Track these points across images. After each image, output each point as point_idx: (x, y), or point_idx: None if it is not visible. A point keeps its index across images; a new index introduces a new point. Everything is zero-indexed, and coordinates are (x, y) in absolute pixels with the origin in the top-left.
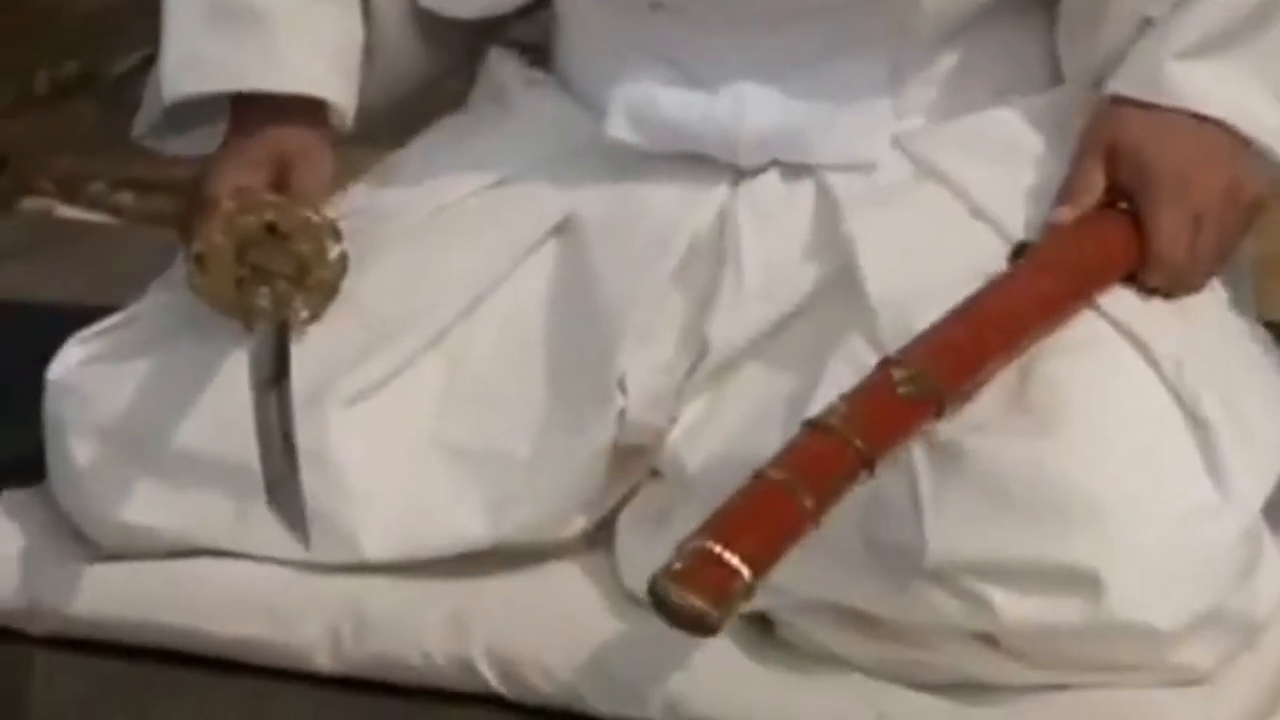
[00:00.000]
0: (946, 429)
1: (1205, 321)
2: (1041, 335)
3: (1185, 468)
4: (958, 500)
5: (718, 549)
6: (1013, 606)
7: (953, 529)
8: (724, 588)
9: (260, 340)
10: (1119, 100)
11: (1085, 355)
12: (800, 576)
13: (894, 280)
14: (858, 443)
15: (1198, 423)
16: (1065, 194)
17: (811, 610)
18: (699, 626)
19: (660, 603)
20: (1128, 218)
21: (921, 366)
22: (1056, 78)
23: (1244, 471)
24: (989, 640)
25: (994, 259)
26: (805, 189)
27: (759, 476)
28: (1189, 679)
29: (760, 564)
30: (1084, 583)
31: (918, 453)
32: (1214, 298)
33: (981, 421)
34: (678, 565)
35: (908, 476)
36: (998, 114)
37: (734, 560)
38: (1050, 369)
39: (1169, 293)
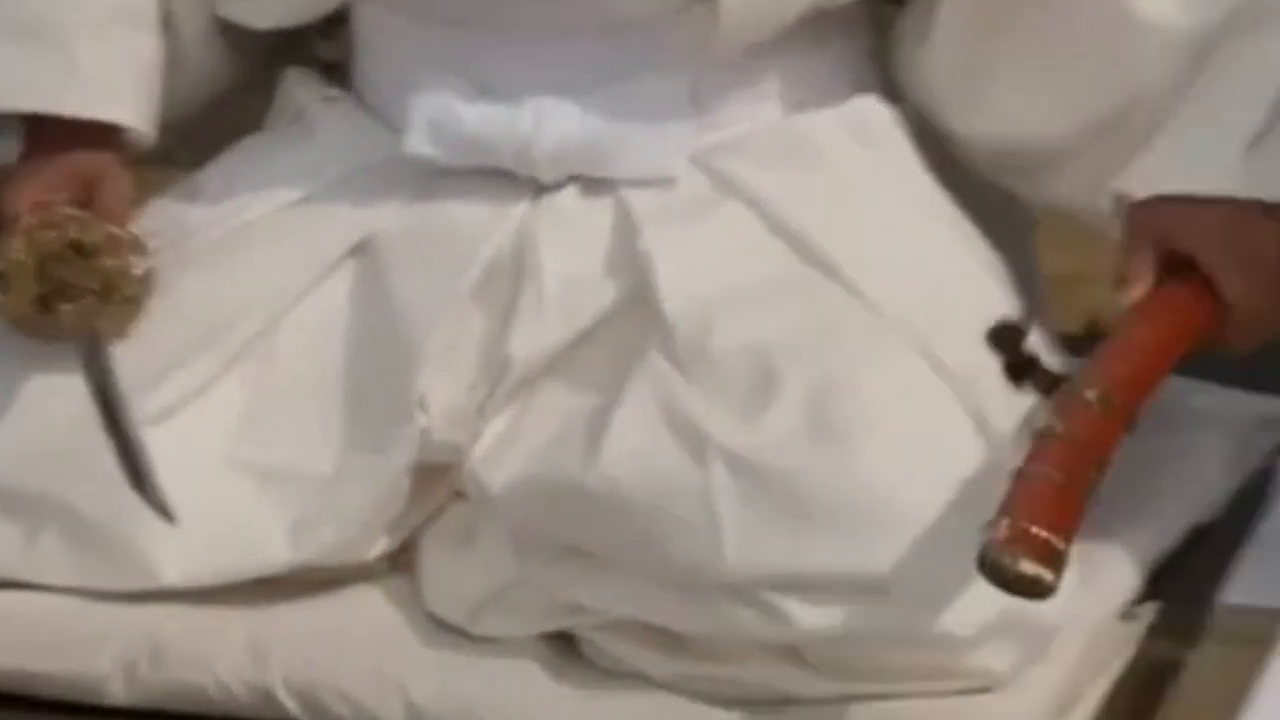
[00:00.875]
0: (743, 442)
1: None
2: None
3: (976, 477)
4: (755, 514)
5: (1033, 528)
6: (811, 617)
7: (751, 542)
8: (1052, 553)
9: (85, 360)
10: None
11: (879, 369)
12: (603, 595)
13: (691, 296)
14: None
15: (987, 430)
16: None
17: (615, 629)
18: (1037, 590)
19: (997, 572)
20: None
21: (1104, 387)
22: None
23: None
24: (791, 653)
25: (790, 273)
26: (604, 205)
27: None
28: (984, 685)
29: (1068, 534)
30: (880, 591)
31: (715, 468)
32: (1005, 308)
33: (777, 435)
34: (1006, 535)
35: (704, 491)
36: (795, 128)
37: (1046, 533)
38: (845, 383)
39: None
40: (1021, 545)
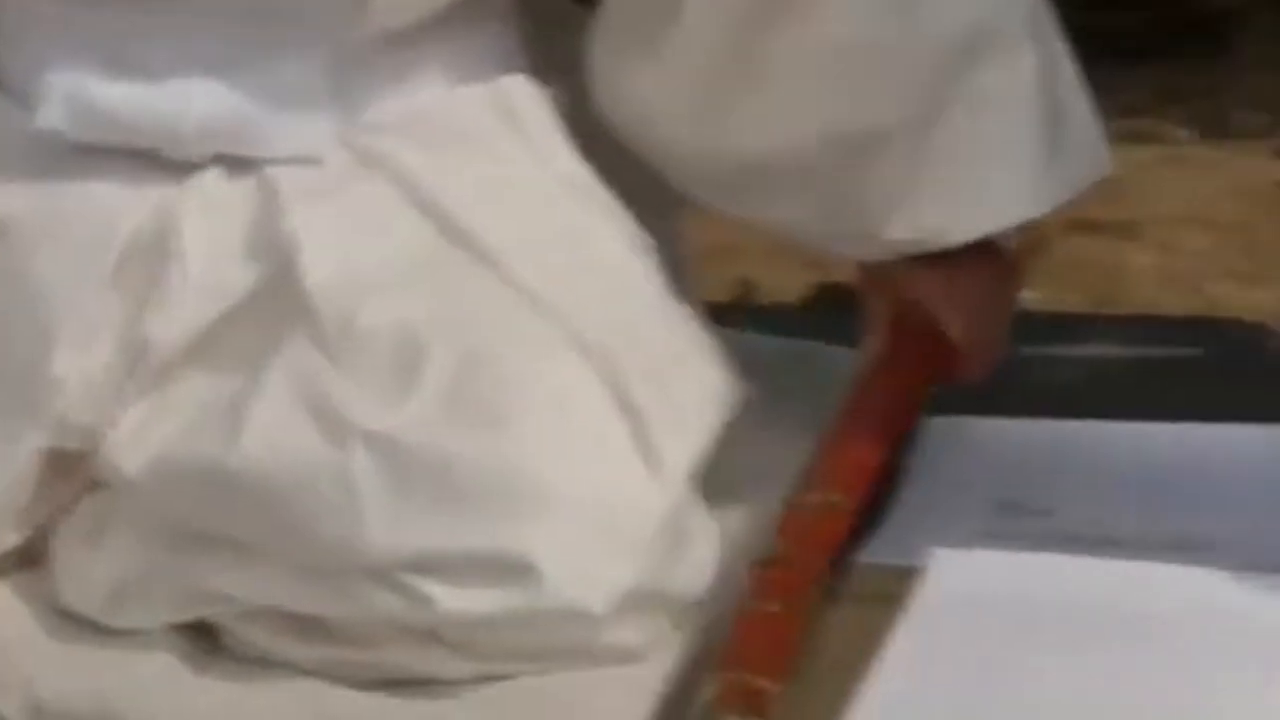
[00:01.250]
0: (385, 423)
1: (637, 309)
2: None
3: (615, 452)
4: (396, 495)
5: (745, 678)
6: (451, 599)
7: (391, 524)
8: (762, 699)
9: None
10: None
11: (523, 348)
12: (243, 582)
13: (335, 275)
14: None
15: (628, 406)
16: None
17: (255, 617)
18: None
19: None
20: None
21: (826, 487)
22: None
23: (673, 453)
24: (431, 635)
25: (437, 252)
26: (249, 185)
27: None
28: (622, 659)
29: (783, 669)
30: (518, 570)
31: (356, 449)
32: (648, 285)
33: (420, 415)
34: (719, 693)
35: (345, 473)
36: (444, 108)
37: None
38: (490, 362)
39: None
40: (731, 700)
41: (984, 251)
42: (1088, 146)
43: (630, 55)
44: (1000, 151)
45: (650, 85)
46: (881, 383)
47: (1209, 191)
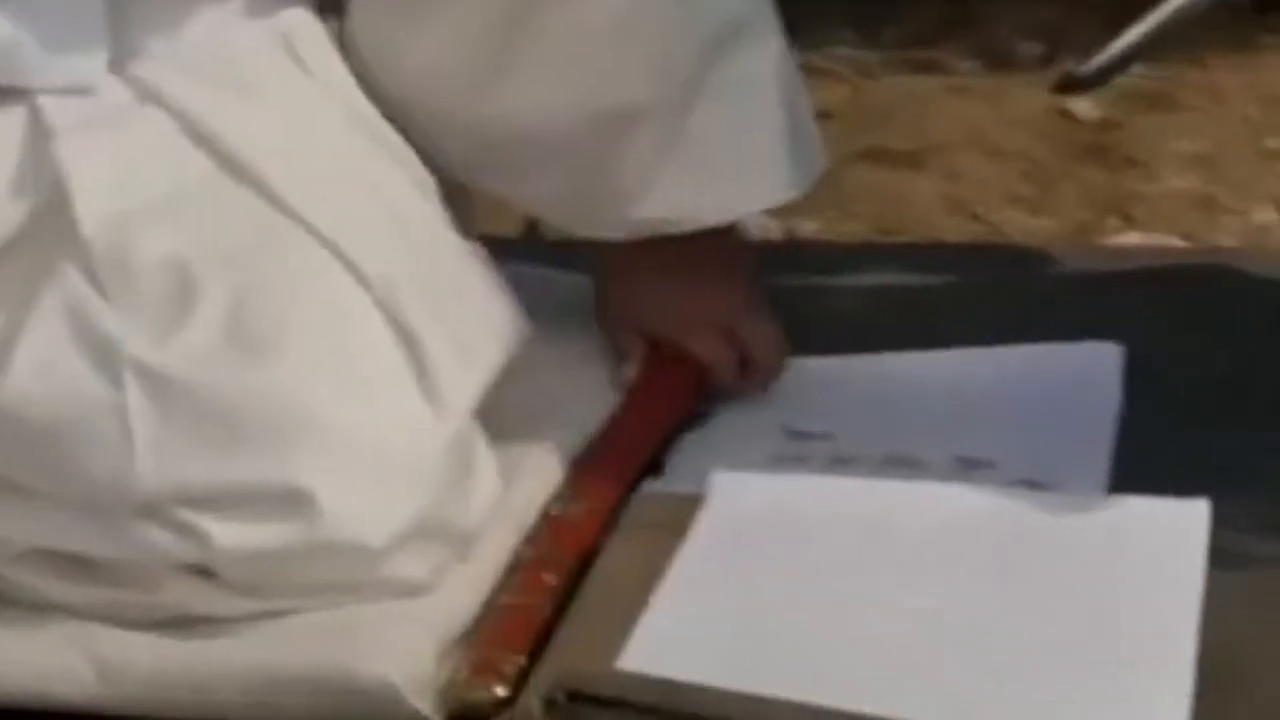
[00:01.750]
0: (159, 357)
1: (418, 240)
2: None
3: (396, 384)
4: (170, 429)
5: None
6: (227, 535)
7: (164, 459)
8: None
9: None
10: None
11: (301, 281)
12: (13, 524)
13: (107, 207)
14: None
15: (409, 339)
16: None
17: (26, 559)
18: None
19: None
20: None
21: (576, 493)
22: None
23: (454, 386)
24: (207, 573)
25: (214, 184)
26: (18, 115)
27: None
28: (405, 592)
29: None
30: (297, 504)
31: (128, 383)
32: (430, 219)
33: (195, 348)
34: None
35: (118, 408)
36: (222, 39)
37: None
38: (266, 295)
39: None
40: (483, 674)
41: (727, 250)
42: (815, 138)
43: (401, 26)
44: (752, 137)
45: (421, 56)
46: (637, 414)
47: (991, 120)
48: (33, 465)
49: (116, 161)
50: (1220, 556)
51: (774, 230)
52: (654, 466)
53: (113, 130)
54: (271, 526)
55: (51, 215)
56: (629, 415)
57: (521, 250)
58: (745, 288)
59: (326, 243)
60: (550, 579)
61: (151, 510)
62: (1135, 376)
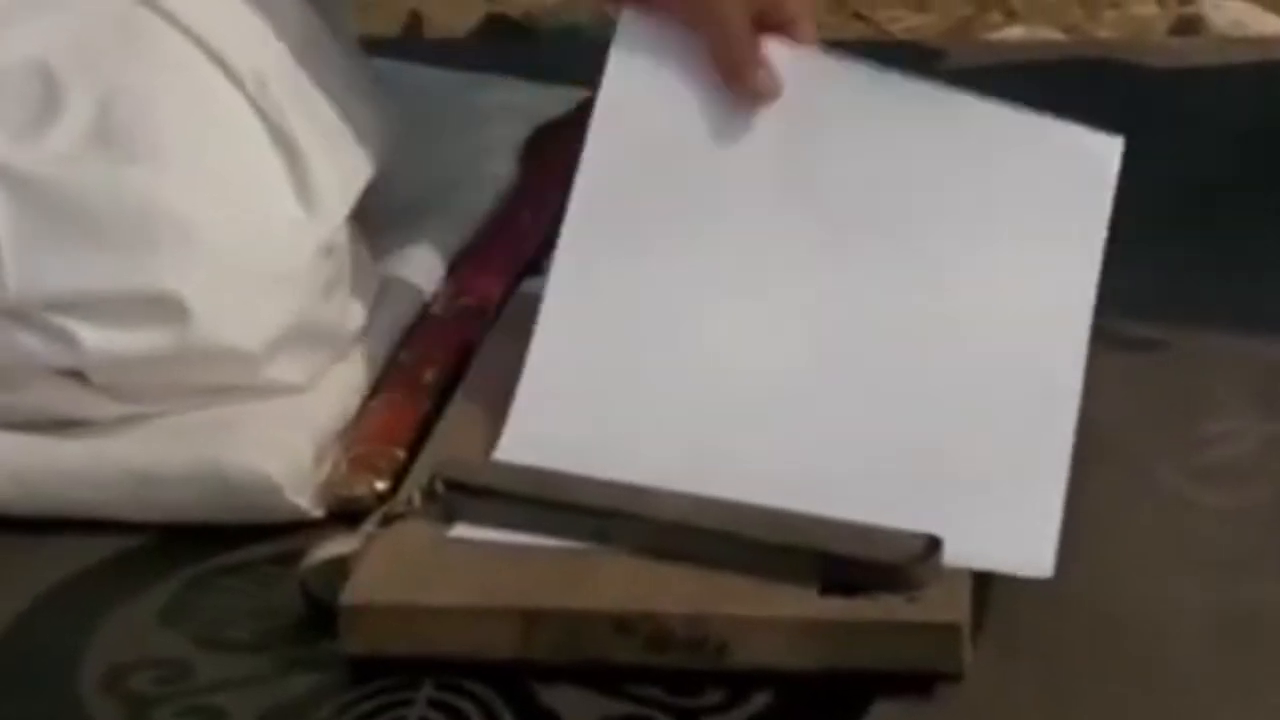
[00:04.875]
0: (22, 159)
1: (291, 38)
2: None
3: (269, 185)
4: (36, 233)
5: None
6: (97, 339)
7: (34, 264)
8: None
9: None
10: None
11: (168, 76)
12: None
13: None
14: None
15: (282, 139)
16: None
17: None
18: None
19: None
20: None
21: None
22: None
23: (329, 186)
24: (77, 376)
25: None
26: None
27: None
28: (282, 393)
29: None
30: (168, 308)
31: None
32: (302, 20)
33: (60, 150)
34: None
35: None
36: None
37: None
38: (134, 94)
39: None
40: (362, 466)
41: None
42: None
43: None
44: None
45: None
46: (519, 212)
47: None
48: None
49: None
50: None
51: None
52: (534, 266)
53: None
54: (143, 331)
55: None
56: (511, 213)
57: (402, 49)
58: None
59: (194, 37)
60: (429, 375)
61: (20, 314)
62: None
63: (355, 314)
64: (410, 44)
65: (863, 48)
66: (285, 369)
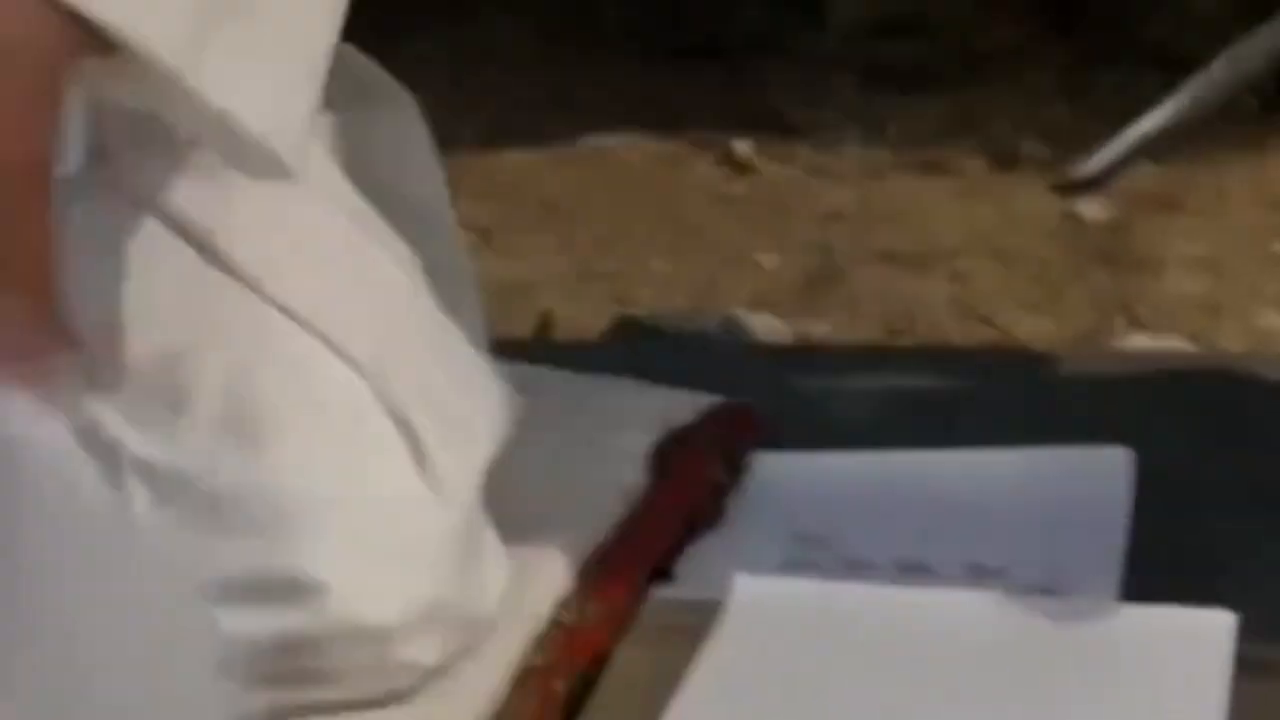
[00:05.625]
0: (156, 452)
1: (411, 328)
2: None
3: (394, 468)
4: (173, 522)
5: None
6: (236, 624)
7: (170, 552)
8: None
9: None
10: None
11: (290, 366)
12: None
13: (96, 306)
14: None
15: (402, 422)
16: None
17: None
18: None
19: None
20: None
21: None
22: None
23: (452, 466)
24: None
25: (194, 274)
26: None
27: None
28: (413, 678)
29: None
30: (303, 589)
31: (132, 481)
32: (423, 305)
33: (193, 443)
34: None
35: (121, 505)
36: None
37: None
38: (255, 382)
39: None
40: None
41: None
42: None
43: None
44: None
45: None
46: (647, 519)
47: (998, 222)
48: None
49: (103, 255)
50: (1244, 666)
51: (784, 333)
52: (663, 572)
53: (89, 222)
54: (279, 613)
55: None
56: (639, 519)
57: (533, 351)
58: None
59: (314, 329)
60: (560, 686)
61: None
62: (1146, 480)
63: (488, 601)
64: (541, 345)
65: (987, 354)
66: (420, 650)
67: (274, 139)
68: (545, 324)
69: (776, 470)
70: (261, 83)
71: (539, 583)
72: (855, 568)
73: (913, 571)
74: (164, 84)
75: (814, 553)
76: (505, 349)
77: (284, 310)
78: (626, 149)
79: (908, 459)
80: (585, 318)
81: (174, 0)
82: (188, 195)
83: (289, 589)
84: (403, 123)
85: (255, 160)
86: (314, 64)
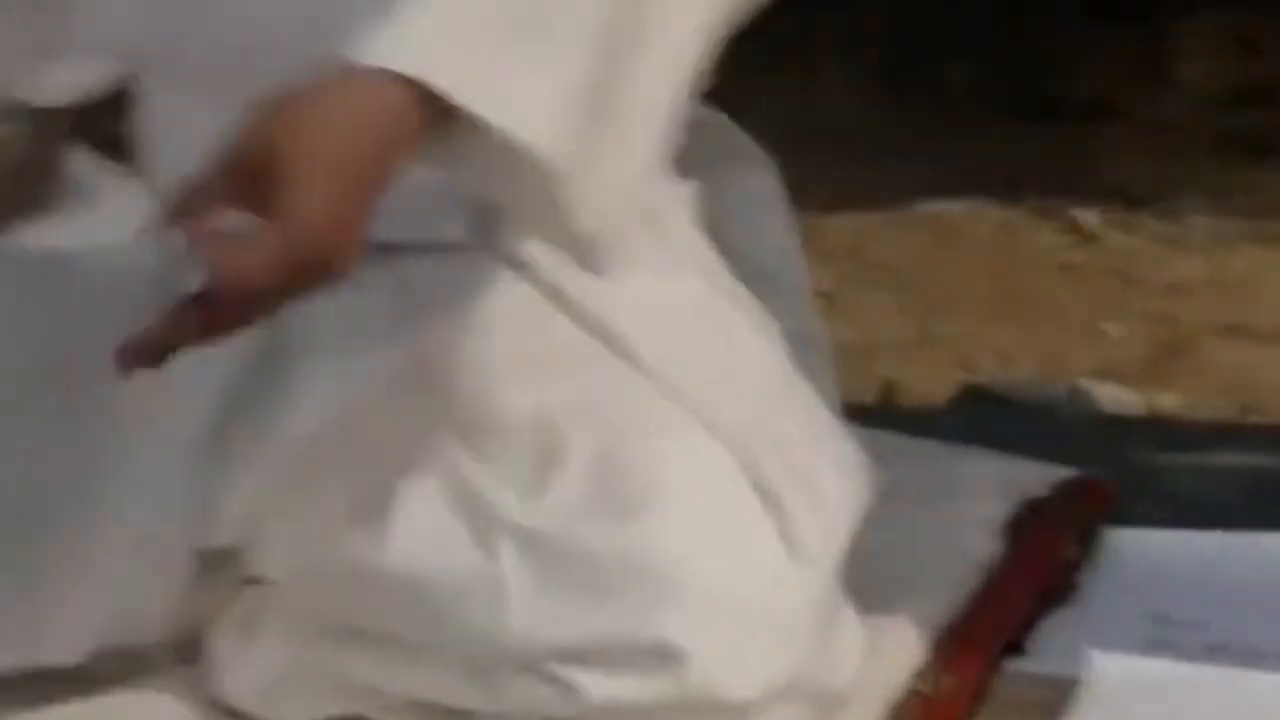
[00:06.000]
0: (528, 515)
1: (773, 397)
2: None
3: (756, 537)
4: (541, 586)
5: None
6: (600, 688)
7: (537, 615)
8: None
9: None
10: None
11: (660, 436)
12: (394, 677)
13: (472, 366)
14: None
15: (766, 492)
16: None
17: (406, 710)
18: None
19: None
20: None
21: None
22: None
23: (814, 536)
24: None
25: (571, 341)
26: (384, 271)
27: None
28: None
29: None
30: (667, 658)
31: (501, 541)
32: (784, 374)
33: (562, 506)
34: None
35: (490, 566)
36: None
37: None
38: (628, 451)
39: None
40: None
41: None
42: None
43: None
44: None
45: None
46: (1001, 589)
47: None
48: (412, 622)
49: (480, 318)
50: None
51: (1131, 403)
52: (1015, 645)
53: (470, 289)
54: (643, 679)
55: (415, 373)
56: (993, 590)
57: (877, 416)
58: None
59: (682, 396)
60: None
61: (527, 665)
62: None
63: (844, 672)
64: (885, 411)
65: None
66: None
67: (601, 239)
68: (889, 389)
69: (1130, 546)
70: (606, 189)
71: (893, 652)
72: (1216, 651)
73: (1271, 658)
74: (509, 172)
75: (1170, 633)
76: (850, 414)
77: (657, 379)
78: (967, 214)
79: (1265, 539)
80: (927, 384)
81: (558, 106)
82: (564, 265)
83: (650, 656)
84: (758, 184)
85: (574, 250)
86: (653, 162)
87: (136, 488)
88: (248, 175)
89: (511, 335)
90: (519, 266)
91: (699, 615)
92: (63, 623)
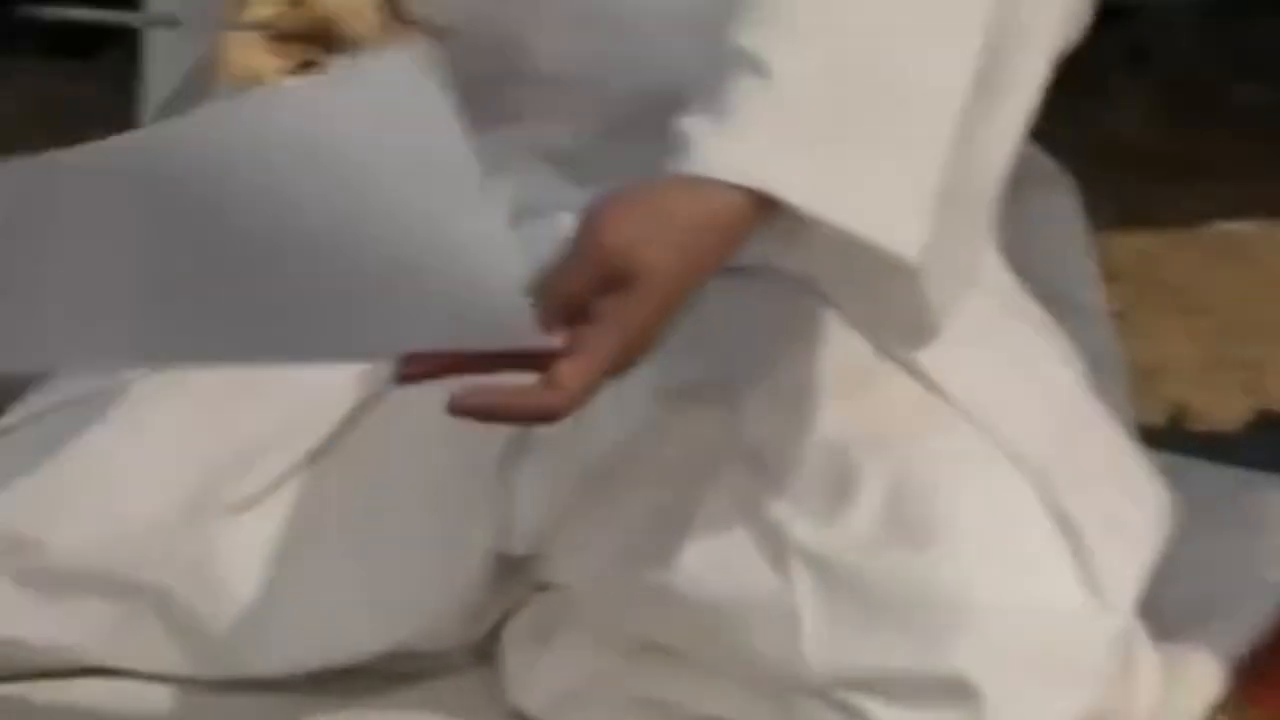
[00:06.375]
0: (822, 542)
1: (1070, 423)
2: None
3: (1056, 570)
4: (834, 613)
5: None
6: (891, 718)
7: (830, 642)
8: None
9: None
10: None
11: (957, 465)
12: (685, 692)
13: (765, 392)
14: None
15: (1065, 524)
16: None
17: None
18: None
19: None
20: None
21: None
22: None
23: (1114, 570)
24: None
25: (866, 368)
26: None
27: None
28: None
29: None
30: (961, 692)
31: (795, 568)
32: (1082, 400)
33: (857, 534)
34: None
35: (785, 592)
36: None
37: None
38: (924, 479)
39: None
40: None
41: None
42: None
43: None
44: None
45: None
46: None
47: None
48: (703, 641)
49: (774, 340)
50: None
51: None
52: None
53: (770, 317)
54: (936, 713)
55: (710, 396)
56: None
57: (1168, 440)
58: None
59: (979, 423)
60: None
61: (819, 691)
62: None
63: (1140, 708)
64: (1175, 435)
65: None
66: None
67: (941, 318)
68: (1179, 412)
69: None
70: (955, 273)
71: (1190, 686)
72: None
73: None
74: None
75: None
76: (1140, 436)
77: (950, 403)
78: (1259, 236)
79: None
80: (1215, 408)
81: (920, 204)
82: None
83: (943, 691)
84: (1058, 205)
85: (906, 334)
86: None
87: (442, 490)
88: (600, 280)
89: (806, 359)
90: (812, 290)
91: (994, 651)
92: (363, 623)
